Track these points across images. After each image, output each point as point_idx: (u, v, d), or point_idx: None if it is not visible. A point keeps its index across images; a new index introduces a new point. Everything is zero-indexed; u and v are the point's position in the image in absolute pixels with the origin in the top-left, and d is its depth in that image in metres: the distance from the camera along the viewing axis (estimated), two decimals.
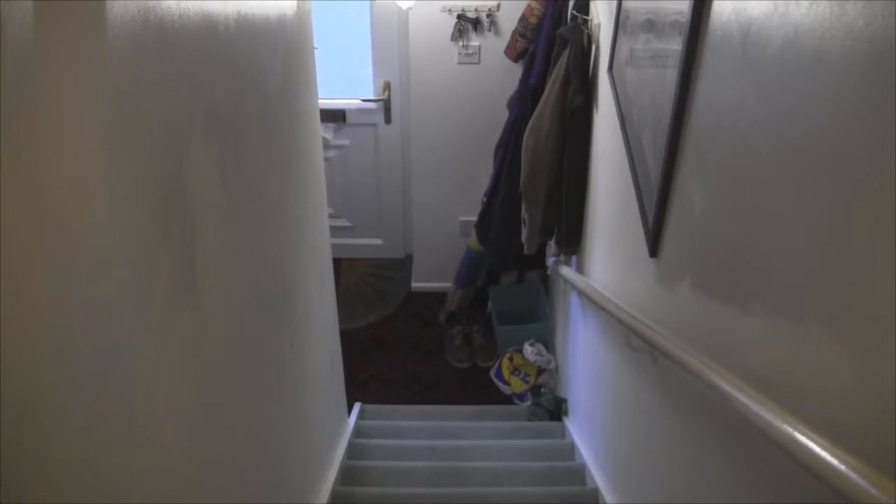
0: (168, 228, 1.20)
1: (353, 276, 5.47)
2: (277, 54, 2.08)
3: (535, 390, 4.31)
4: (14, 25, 0.75)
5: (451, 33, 4.61)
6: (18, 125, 0.76)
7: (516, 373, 4.50)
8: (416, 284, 5.37)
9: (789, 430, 1.08)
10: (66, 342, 0.88)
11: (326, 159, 3.60)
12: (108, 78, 0.98)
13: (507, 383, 4.49)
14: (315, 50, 2.87)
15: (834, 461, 0.96)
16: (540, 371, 4.45)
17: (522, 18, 4.33)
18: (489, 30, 4.64)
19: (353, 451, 3.53)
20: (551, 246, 4.02)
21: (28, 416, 0.81)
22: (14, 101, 0.75)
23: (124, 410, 1.05)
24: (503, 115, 4.39)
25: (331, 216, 3.43)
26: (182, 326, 1.27)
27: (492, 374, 4.61)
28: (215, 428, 1.48)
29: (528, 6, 4.27)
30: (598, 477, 3.06)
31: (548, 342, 4.61)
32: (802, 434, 1.05)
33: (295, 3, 2.35)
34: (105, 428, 0.99)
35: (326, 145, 4.76)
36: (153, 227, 1.14)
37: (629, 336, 2.25)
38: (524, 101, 4.11)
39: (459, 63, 4.71)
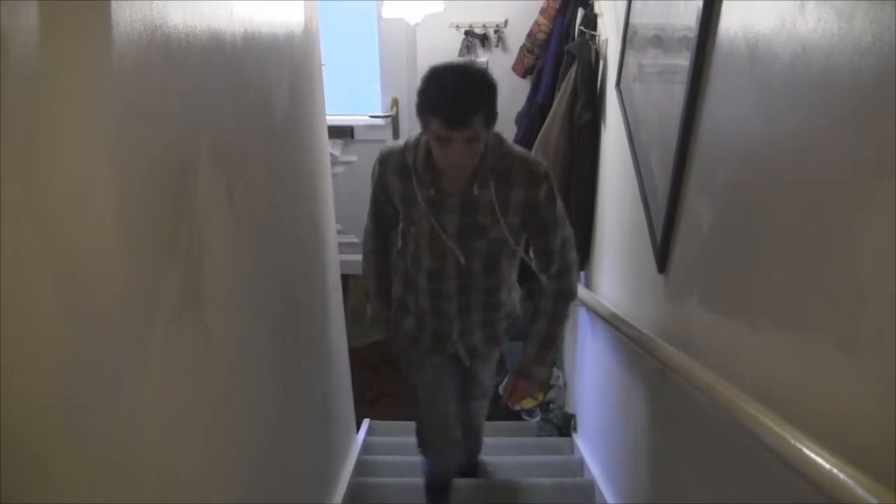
0: (175, 247, 1.20)
1: (361, 292, 5.46)
2: (284, 71, 2.08)
3: (544, 406, 4.29)
4: (18, 40, 0.75)
5: (458, 49, 4.63)
6: (22, 141, 0.76)
7: None
8: None
9: (798, 446, 1.08)
10: (69, 360, 0.88)
11: (334, 175, 3.55)
12: (113, 95, 0.98)
13: None
14: (322, 66, 2.88)
15: (842, 476, 0.96)
16: (548, 387, 4.43)
17: (530, 34, 4.34)
18: (497, 45, 4.65)
19: (361, 468, 3.51)
20: None
21: (30, 433, 0.81)
22: (18, 116, 0.75)
23: (130, 429, 1.05)
24: (511, 132, 4.39)
25: (339, 232, 3.42)
26: (188, 346, 1.27)
27: (500, 389, 4.59)
28: (222, 445, 1.48)
29: (536, 22, 4.28)
30: (606, 493, 3.04)
31: (556, 358, 4.59)
32: (811, 450, 1.04)
33: (302, 20, 2.36)
34: (109, 446, 0.99)
35: (334, 161, 4.76)
36: (159, 245, 1.14)
37: (638, 352, 2.24)
38: (532, 118, 4.11)
39: None
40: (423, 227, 2.33)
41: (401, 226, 2.49)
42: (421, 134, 2.21)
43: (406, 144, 2.28)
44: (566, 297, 2.45)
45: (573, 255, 2.41)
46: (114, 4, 0.95)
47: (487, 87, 2.03)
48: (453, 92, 1.99)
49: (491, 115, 2.05)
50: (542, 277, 2.44)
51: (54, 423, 0.85)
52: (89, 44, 0.92)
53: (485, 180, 2.20)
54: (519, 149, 2.29)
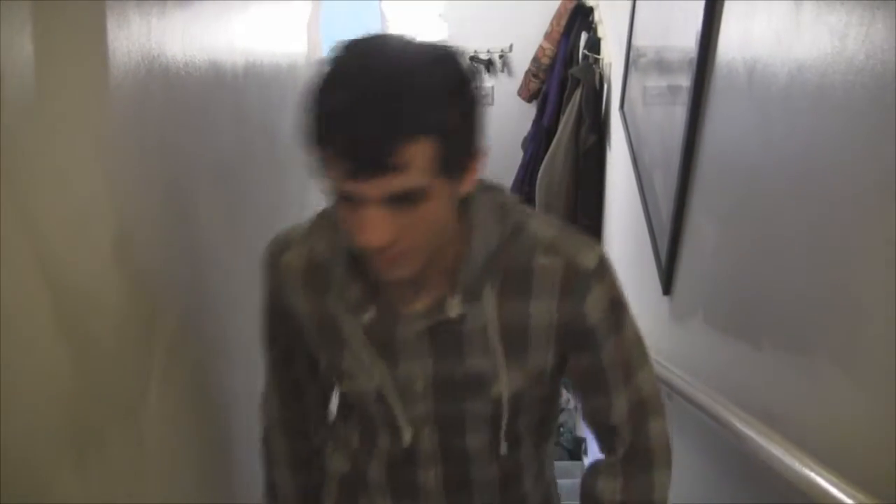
0: (174, 274, 1.20)
1: None
2: (288, 100, 2.09)
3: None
4: (14, 70, 0.76)
5: None
6: (19, 170, 0.76)
7: None
8: None
9: (800, 466, 1.07)
10: (67, 390, 0.88)
11: None
12: (111, 123, 0.99)
13: None
14: None
15: (843, 496, 0.95)
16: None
17: (535, 59, 4.37)
18: (502, 71, 4.68)
19: None
20: None
21: (31, 463, 0.81)
22: (14, 146, 0.75)
23: (130, 458, 1.04)
24: (518, 156, 4.40)
25: None
26: (189, 375, 1.27)
27: None
28: (223, 472, 1.47)
29: (541, 47, 4.31)
30: None
31: (566, 381, 4.57)
32: (814, 471, 1.04)
33: (305, 50, 2.38)
34: (110, 473, 0.99)
35: None
36: (159, 273, 1.15)
37: None
38: (538, 141, 4.13)
39: None
40: (362, 387, 1.13)
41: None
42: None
43: (316, 224, 1.14)
44: None
45: (659, 420, 1.20)
46: (110, 34, 0.97)
47: (442, 81, 0.88)
48: (361, 91, 0.86)
49: (456, 145, 0.91)
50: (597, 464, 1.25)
51: (55, 453, 0.85)
52: (86, 73, 0.93)
53: (475, 286, 1.04)
54: (543, 221, 1.09)
